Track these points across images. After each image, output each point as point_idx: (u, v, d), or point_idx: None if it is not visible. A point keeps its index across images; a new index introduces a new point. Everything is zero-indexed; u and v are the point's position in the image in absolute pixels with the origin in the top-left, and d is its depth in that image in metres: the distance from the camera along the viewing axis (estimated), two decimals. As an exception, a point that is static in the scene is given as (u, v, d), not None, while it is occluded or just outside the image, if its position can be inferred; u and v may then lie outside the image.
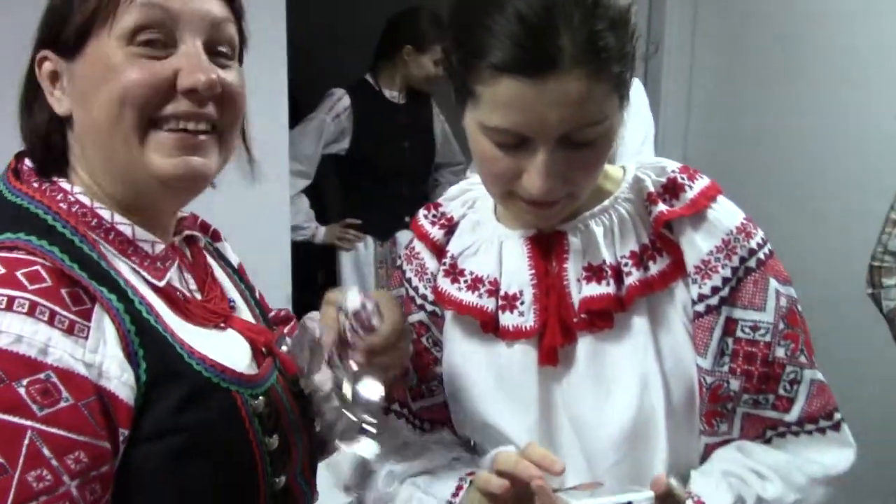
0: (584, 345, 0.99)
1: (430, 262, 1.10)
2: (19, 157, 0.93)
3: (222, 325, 0.97)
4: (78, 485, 0.76)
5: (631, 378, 0.98)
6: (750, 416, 1.00)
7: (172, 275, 0.93)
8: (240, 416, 0.89)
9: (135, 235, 0.90)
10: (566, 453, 0.98)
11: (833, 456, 1.01)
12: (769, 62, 2.91)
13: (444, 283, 1.06)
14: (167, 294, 0.91)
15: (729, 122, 3.09)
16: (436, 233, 1.09)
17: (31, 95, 0.92)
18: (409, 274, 1.12)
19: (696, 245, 0.97)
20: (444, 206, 1.11)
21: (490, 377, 1.03)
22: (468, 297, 1.04)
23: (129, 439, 0.81)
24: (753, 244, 0.98)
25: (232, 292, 1.06)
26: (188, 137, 0.89)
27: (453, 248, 1.08)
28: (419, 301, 1.11)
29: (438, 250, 1.09)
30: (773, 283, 0.98)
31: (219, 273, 1.06)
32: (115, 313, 0.82)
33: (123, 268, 0.88)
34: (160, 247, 0.92)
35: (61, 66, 0.89)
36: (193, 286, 0.98)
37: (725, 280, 0.96)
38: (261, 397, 0.92)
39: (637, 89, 2.29)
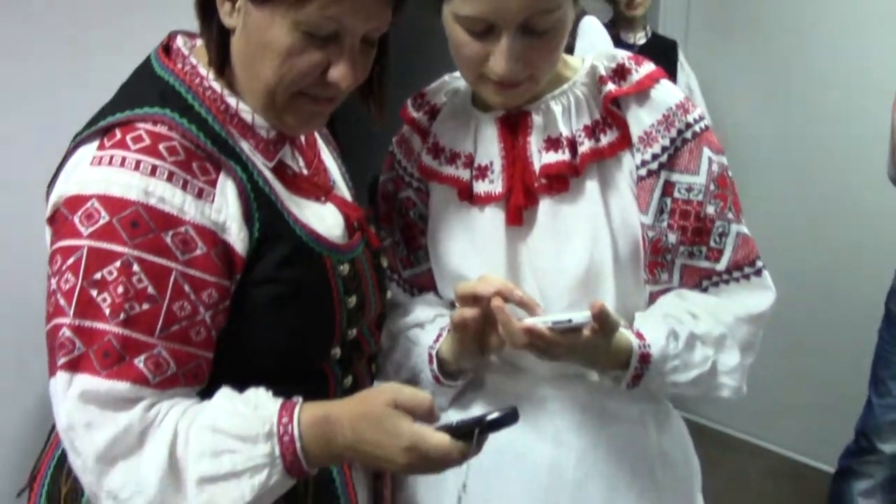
0: (545, 207, 1.16)
1: (416, 144, 1.26)
2: (172, 36, 1.08)
3: (323, 199, 1.12)
4: (210, 315, 0.96)
5: (584, 234, 1.14)
6: (687, 267, 1.17)
7: (285, 152, 1.08)
8: (327, 277, 1.06)
9: (254, 122, 1.04)
10: (535, 298, 1.13)
11: (756, 298, 1.18)
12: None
13: (428, 160, 1.23)
14: (278, 171, 1.07)
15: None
16: (420, 117, 1.25)
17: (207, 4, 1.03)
18: (398, 157, 1.29)
19: (640, 119, 1.13)
20: (428, 95, 1.27)
21: (465, 238, 1.20)
22: (447, 170, 1.21)
23: (239, 283, 0.99)
24: (690, 119, 1.14)
25: (334, 172, 1.22)
26: (319, 106, 1.04)
27: (435, 129, 1.24)
28: (407, 179, 1.28)
29: (423, 132, 1.25)
30: (707, 151, 1.14)
31: (325, 154, 1.22)
32: (240, 181, 0.99)
33: (245, 146, 1.03)
34: (273, 132, 1.06)
35: None
36: (302, 163, 1.13)
37: (664, 148, 1.12)
38: (347, 264, 1.09)
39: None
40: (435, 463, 0.90)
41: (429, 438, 0.89)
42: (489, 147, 1.18)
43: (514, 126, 1.17)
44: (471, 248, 1.20)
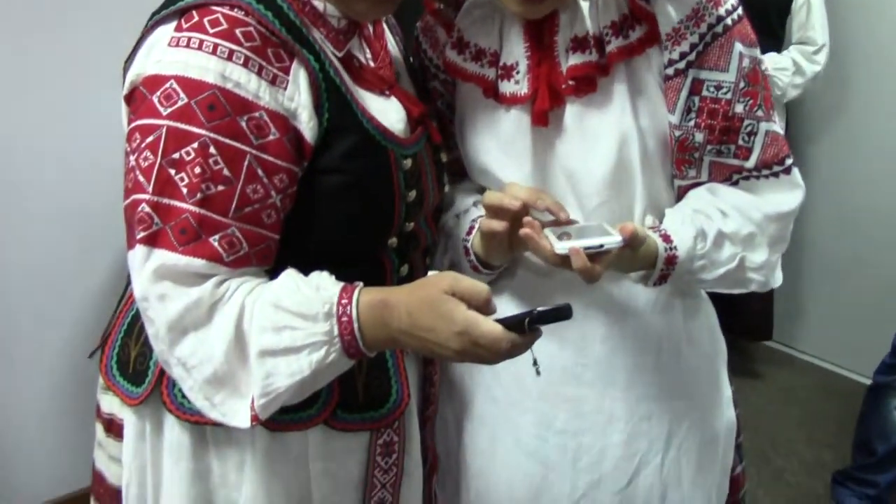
0: (572, 108, 1.15)
1: (441, 35, 1.25)
2: None
3: (387, 92, 1.13)
4: (280, 199, 0.99)
5: (611, 135, 1.13)
6: (716, 164, 1.17)
7: (353, 43, 1.10)
8: (390, 171, 1.08)
9: (325, 10, 1.06)
10: (560, 198, 1.15)
11: (785, 195, 1.18)
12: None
13: (452, 55, 1.22)
14: (345, 62, 1.08)
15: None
16: (444, 8, 1.23)
17: None
18: (424, 45, 1.28)
19: (669, 14, 1.10)
20: None
21: (492, 136, 1.20)
22: (472, 67, 1.20)
23: (306, 170, 1.03)
24: (722, 11, 1.10)
25: (399, 65, 1.23)
26: None
27: (460, 22, 1.21)
28: (433, 70, 1.28)
29: (447, 24, 1.23)
30: (738, 46, 1.11)
31: (391, 47, 1.23)
32: (312, 70, 1.01)
33: (317, 35, 1.04)
34: (343, 22, 1.07)
35: None
36: (369, 55, 1.15)
37: (693, 46, 1.10)
38: (409, 159, 1.11)
39: None
40: (485, 350, 0.92)
41: (481, 325, 0.91)
42: (514, 46, 1.17)
43: (539, 24, 1.15)
44: (497, 147, 1.20)
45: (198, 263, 0.95)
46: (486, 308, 0.94)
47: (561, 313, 0.93)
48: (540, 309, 0.93)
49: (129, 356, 1.15)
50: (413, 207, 1.13)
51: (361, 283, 0.99)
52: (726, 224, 1.16)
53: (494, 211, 1.11)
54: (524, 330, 0.92)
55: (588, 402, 1.22)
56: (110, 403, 1.20)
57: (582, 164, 1.16)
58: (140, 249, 0.95)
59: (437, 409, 1.31)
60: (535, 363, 0.96)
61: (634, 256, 1.11)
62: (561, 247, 1.04)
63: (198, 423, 1.08)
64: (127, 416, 1.16)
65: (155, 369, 1.10)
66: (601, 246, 1.04)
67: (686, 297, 1.26)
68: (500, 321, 0.92)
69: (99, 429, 1.23)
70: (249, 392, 0.97)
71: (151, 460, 1.14)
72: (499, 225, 1.11)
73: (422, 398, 1.27)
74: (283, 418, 1.07)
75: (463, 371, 1.31)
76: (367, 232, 1.10)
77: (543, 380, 1.20)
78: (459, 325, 0.91)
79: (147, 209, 0.94)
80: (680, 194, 1.21)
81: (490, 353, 0.93)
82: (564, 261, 1.04)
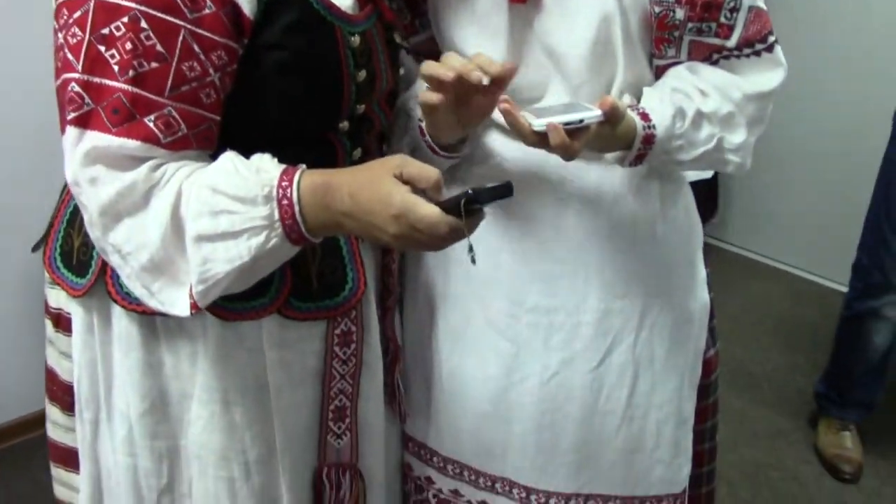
0: None
1: None
2: None
3: None
4: (219, 77, 0.94)
5: (593, 10, 1.09)
6: (695, 43, 1.13)
7: None
8: (337, 48, 1.03)
9: None
10: (538, 77, 1.12)
11: (766, 75, 1.15)
12: None
13: None
14: None
15: None
16: None
17: None
18: None
19: None
20: None
21: (466, 11, 1.15)
22: None
23: (247, 47, 0.97)
24: None
25: None
26: None
27: None
28: None
29: None
30: None
31: None
32: None
33: None
34: None
35: None
36: None
37: None
38: (357, 36, 1.05)
39: None
40: (423, 235, 0.88)
41: (418, 208, 0.87)
42: None
43: None
44: (472, 22, 1.15)
45: (132, 145, 0.90)
46: (435, 193, 0.89)
47: (500, 191, 0.88)
48: (476, 188, 0.88)
49: (72, 247, 1.11)
50: (363, 88, 1.07)
51: (304, 166, 0.95)
52: (705, 103, 1.13)
53: (433, 83, 1.05)
54: (461, 212, 0.87)
55: (562, 280, 1.21)
56: (57, 297, 1.16)
57: (561, 41, 1.11)
58: (71, 131, 0.91)
59: (396, 299, 1.28)
60: (470, 250, 0.90)
61: (613, 134, 1.07)
62: (539, 123, 1.00)
63: (144, 314, 1.05)
64: (74, 310, 1.12)
65: (98, 259, 1.06)
66: (581, 121, 1.00)
67: (664, 180, 1.24)
68: (438, 204, 0.87)
69: (48, 325, 1.20)
70: (188, 280, 0.94)
71: (101, 353, 1.12)
72: (434, 97, 1.04)
73: (381, 288, 1.24)
74: (235, 307, 1.04)
75: (433, 270, 1.28)
76: (315, 113, 1.05)
77: (518, 256, 1.21)
78: (396, 207, 0.87)
79: (77, 88, 0.90)
80: (658, 74, 1.17)
81: (430, 238, 0.88)
82: (542, 139, 1.00)
